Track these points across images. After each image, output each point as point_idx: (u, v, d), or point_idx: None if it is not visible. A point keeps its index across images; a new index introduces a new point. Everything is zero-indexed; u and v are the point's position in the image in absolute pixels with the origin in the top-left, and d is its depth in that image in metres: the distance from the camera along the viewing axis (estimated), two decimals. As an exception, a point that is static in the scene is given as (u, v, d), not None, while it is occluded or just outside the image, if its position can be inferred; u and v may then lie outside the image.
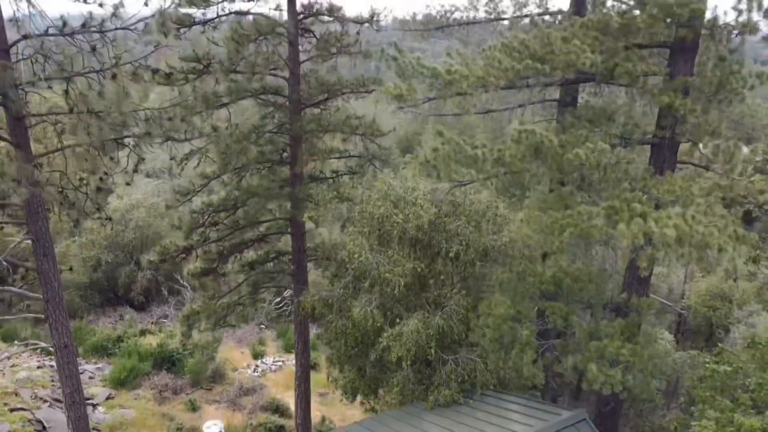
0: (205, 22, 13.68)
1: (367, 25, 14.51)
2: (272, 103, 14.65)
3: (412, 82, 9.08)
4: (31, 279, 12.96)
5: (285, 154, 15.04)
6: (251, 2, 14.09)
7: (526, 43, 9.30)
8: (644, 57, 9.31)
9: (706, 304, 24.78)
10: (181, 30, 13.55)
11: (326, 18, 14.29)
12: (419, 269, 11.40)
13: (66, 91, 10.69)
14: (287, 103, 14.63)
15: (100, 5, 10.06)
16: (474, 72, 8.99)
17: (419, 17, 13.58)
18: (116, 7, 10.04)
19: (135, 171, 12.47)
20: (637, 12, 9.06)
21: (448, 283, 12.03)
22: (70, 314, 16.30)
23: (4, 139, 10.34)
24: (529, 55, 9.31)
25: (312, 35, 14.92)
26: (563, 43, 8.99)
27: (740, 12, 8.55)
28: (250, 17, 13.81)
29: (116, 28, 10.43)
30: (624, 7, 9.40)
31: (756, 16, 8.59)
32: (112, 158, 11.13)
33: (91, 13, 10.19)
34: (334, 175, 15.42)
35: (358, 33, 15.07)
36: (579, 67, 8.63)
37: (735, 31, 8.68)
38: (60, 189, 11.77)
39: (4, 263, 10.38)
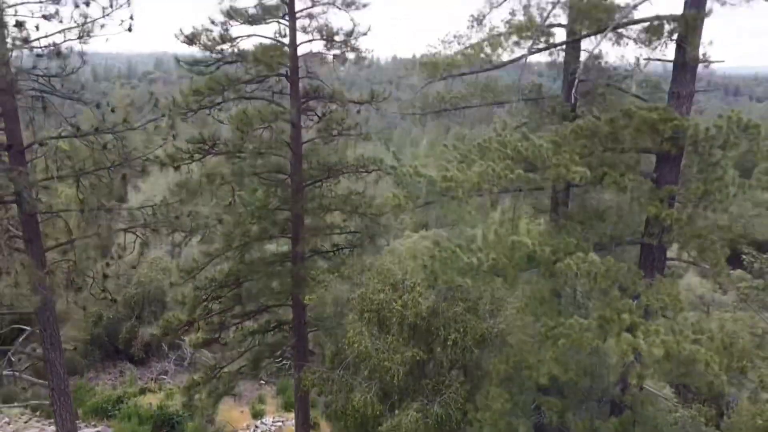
0: (211, 106, 14.21)
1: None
2: (275, 181, 15.10)
3: (410, 189, 9.51)
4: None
5: (286, 230, 15.44)
6: (255, 84, 14.72)
7: (519, 149, 9.75)
8: (631, 166, 9.75)
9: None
10: (188, 113, 14.08)
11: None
12: (418, 357, 11.64)
13: (77, 187, 11.15)
14: (289, 180, 15.09)
15: (113, 111, 10.58)
16: (470, 179, 9.39)
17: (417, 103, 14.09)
18: (127, 112, 10.57)
19: (141, 255, 12.87)
20: (624, 122, 9.52)
21: (446, 367, 12.26)
22: (70, 371, 16.49)
23: (17, 237, 10.74)
24: (522, 159, 9.76)
25: (314, 113, 15.51)
26: (554, 150, 9.42)
27: (721, 128, 9.02)
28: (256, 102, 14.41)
29: (126, 129, 10.93)
30: (611, 115, 9.87)
31: (736, 132, 9.06)
32: (120, 254, 11.48)
33: (103, 116, 10.70)
34: (335, 248, 15.77)
35: (358, 112, 15.67)
36: (569, 180, 9.07)
37: (717, 145, 9.12)
38: (67, 271, 12.15)
39: (13, 359, 10.64)
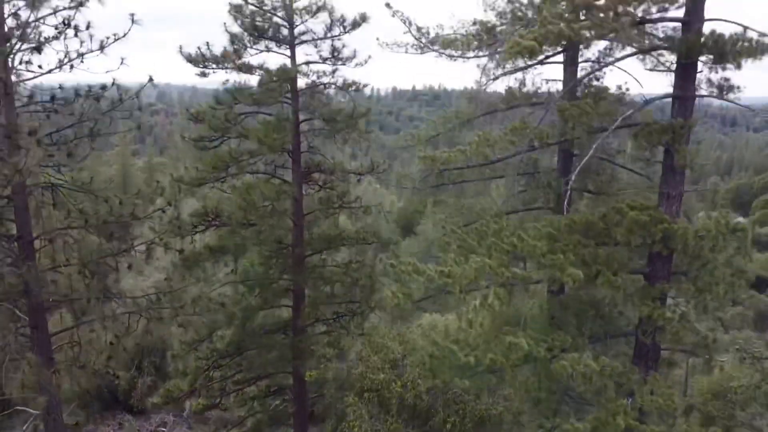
0: (215, 180, 14.55)
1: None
2: (275, 251, 15.35)
3: (409, 286, 9.79)
4: None
5: (286, 297, 15.65)
6: (258, 157, 15.07)
7: (515, 243, 10.04)
8: (624, 263, 10.02)
9: (708, 404, 24.64)
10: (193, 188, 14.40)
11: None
12: (417, 441, 11.78)
13: (84, 275, 11.41)
14: (289, 249, 15.36)
15: (120, 203, 10.90)
16: (467, 274, 9.66)
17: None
18: (135, 205, 10.88)
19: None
20: (617, 219, 9.83)
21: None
22: (68, 425, 16.41)
23: (23, 327, 10.96)
24: (518, 249, 10.08)
25: (315, 183, 15.86)
26: (549, 247, 9.70)
27: (710, 231, 9.32)
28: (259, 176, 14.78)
29: (134, 219, 11.23)
30: (603, 210, 10.19)
31: (725, 233, 9.35)
32: (126, 337, 11.70)
33: (111, 209, 11.01)
34: (336, 316, 15.94)
35: (358, 180, 16.05)
36: (563, 282, 9.33)
37: (707, 248, 9.40)
38: (72, 350, 12.36)
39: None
